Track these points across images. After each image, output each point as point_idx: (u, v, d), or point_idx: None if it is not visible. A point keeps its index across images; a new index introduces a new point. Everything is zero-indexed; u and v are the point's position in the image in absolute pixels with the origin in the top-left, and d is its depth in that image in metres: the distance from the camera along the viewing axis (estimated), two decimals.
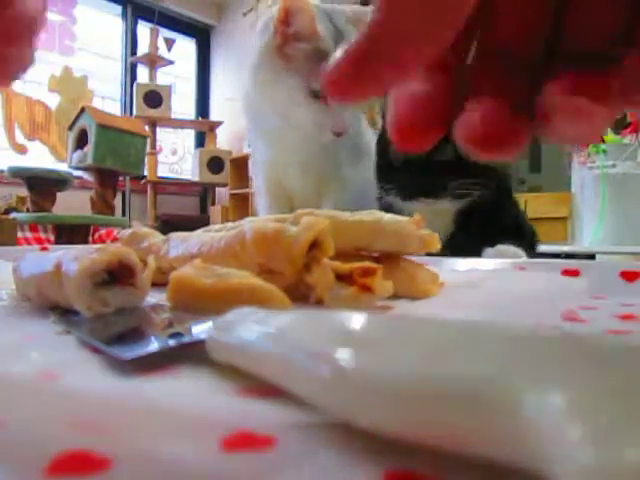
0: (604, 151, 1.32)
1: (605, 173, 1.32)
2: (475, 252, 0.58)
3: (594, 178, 1.35)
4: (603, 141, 1.33)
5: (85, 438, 0.10)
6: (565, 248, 1.39)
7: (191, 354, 0.15)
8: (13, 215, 1.96)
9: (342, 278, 0.26)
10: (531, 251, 0.67)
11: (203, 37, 3.89)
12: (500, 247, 0.58)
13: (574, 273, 0.38)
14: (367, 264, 0.26)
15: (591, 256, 1.33)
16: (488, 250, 0.58)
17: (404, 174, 0.64)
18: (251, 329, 0.13)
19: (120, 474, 0.09)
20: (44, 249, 0.56)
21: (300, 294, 0.26)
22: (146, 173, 2.99)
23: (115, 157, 2.08)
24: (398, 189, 0.64)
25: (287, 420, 0.12)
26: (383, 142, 0.70)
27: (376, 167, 0.71)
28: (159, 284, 0.26)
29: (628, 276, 0.37)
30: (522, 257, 0.56)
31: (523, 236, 0.66)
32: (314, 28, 0.70)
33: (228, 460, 0.10)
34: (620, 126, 1.42)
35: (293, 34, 0.72)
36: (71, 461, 0.09)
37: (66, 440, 0.10)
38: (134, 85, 3.20)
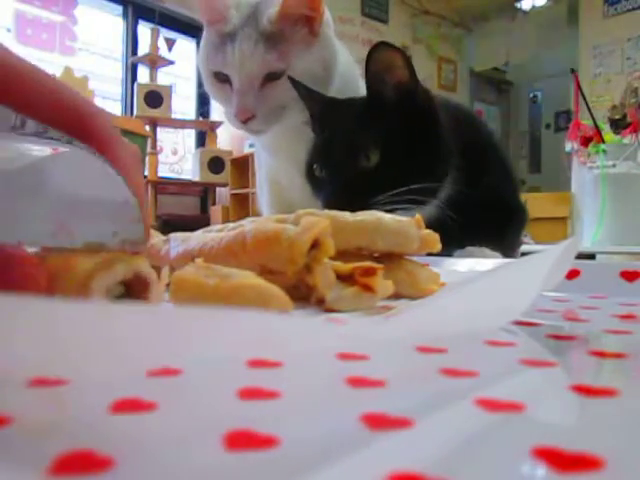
0: (604, 151, 1.32)
1: (605, 173, 1.32)
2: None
3: (594, 178, 1.35)
4: (603, 141, 1.33)
5: (87, 438, 0.10)
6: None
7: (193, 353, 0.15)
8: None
9: (343, 278, 0.26)
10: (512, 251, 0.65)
11: None
12: (470, 249, 0.57)
13: (574, 273, 0.38)
14: (368, 264, 0.26)
15: (591, 256, 1.33)
16: (457, 252, 0.57)
17: (327, 188, 0.60)
18: None
19: (122, 474, 0.09)
20: None
21: (301, 294, 0.26)
22: (146, 173, 2.99)
23: None
24: (323, 205, 0.60)
25: (289, 420, 0.12)
26: (308, 159, 0.66)
27: (308, 183, 0.66)
28: None
29: (628, 276, 0.37)
30: (492, 258, 0.55)
31: (501, 234, 0.63)
32: (217, 14, 0.68)
33: (230, 459, 0.10)
34: (620, 126, 1.42)
35: (207, 20, 0.71)
36: (73, 461, 0.09)
37: (68, 440, 0.10)
38: (135, 85, 3.20)
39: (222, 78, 0.69)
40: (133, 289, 0.21)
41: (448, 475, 0.09)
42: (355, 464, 0.09)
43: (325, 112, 0.65)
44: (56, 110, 0.21)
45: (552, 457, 0.09)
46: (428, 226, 0.33)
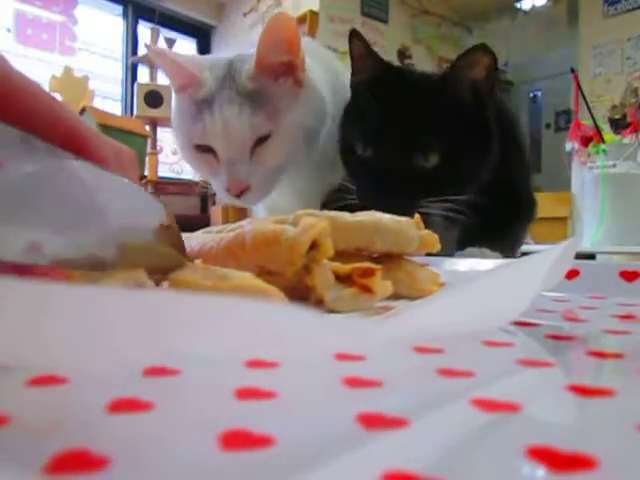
0: (604, 151, 1.32)
1: (605, 173, 1.32)
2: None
3: (594, 178, 1.35)
4: (603, 141, 1.33)
5: (83, 437, 0.11)
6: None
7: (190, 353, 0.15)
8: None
9: (342, 279, 0.26)
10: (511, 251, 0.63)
11: (204, 37, 3.89)
12: (470, 250, 0.56)
13: (574, 273, 0.38)
14: (366, 265, 0.26)
15: (591, 256, 1.33)
16: (457, 253, 0.56)
17: (372, 178, 0.54)
18: None
19: (117, 473, 0.09)
20: None
21: (300, 295, 0.26)
22: (147, 173, 2.99)
23: None
24: (358, 197, 0.55)
25: (285, 420, 0.12)
26: (348, 131, 0.58)
27: (343, 162, 0.59)
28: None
29: (627, 276, 0.37)
30: (492, 258, 0.53)
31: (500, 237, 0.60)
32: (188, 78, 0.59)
33: (226, 458, 0.10)
34: (620, 126, 1.42)
35: (178, 86, 0.62)
36: (69, 460, 0.09)
37: (65, 439, 0.10)
38: (135, 85, 3.20)
39: (204, 149, 0.60)
40: None
41: (443, 474, 0.09)
42: (350, 463, 0.10)
43: (381, 81, 0.57)
44: (51, 129, 0.21)
45: (547, 457, 0.09)
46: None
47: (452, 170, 0.52)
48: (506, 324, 0.23)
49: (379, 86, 0.57)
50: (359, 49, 0.58)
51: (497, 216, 0.58)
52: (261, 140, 0.58)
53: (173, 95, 0.65)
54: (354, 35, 0.58)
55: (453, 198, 0.50)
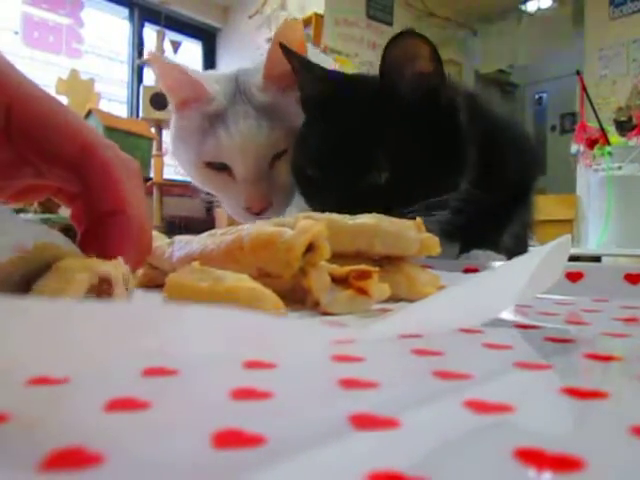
0: (609, 153, 1.32)
1: (610, 175, 1.32)
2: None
3: (599, 180, 1.35)
4: (608, 143, 1.33)
5: (79, 435, 0.11)
6: (570, 250, 1.38)
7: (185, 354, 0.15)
8: (20, 217, 1.97)
9: (339, 281, 0.26)
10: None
11: (209, 39, 3.91)
12: (475, 252, 0.54)
13: (578, 276, 0.38)
14: (363, 267, 0.26)
15: (597, 258, 1.33)
16: (462, 256, 0.55)
17: (326, 196, 0.48)
18: None
19: (112, 469, 0.09)
20: None
21: (297, 297, 0.26)
22: (152, 175, 3.01)
23: None
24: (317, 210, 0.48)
25: (278, 420, 0.12)
26: (298, 153, 0.54)
27: (295, 182, 0.54)
28: (162, 286, 0.26)
29: (632, 279, 0.37)
30: (497, 261, 0.53)
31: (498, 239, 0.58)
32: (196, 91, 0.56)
33: (217, 457, 0.10)
34: (626, 128, 1.41)
35: (181, 100, 0.58)
36: (64, 456, 0.10)
37: (61, 437, 0.10)
38: (140, 87, 3.22)
39: (216, 166, 0.57)
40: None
41: (429, 474, 0.09)
42: (337, 462, 0.10)
43: (326, 95, 0.52)
44: (58, 134, 0.21)
45: (535, 458, 0.09)
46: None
47: (408, 178, 0.48)
48: (507, 327, 0.23)
49: (320, 100, 0.52)
50: (294, 63, 0.53)
51: (499, 217, 0.57)
52: (277, 155, 0.56)
53: (173, 114, 0.60)
54: (283, 50, 0.52)
55: (429, 202, 0.47)
